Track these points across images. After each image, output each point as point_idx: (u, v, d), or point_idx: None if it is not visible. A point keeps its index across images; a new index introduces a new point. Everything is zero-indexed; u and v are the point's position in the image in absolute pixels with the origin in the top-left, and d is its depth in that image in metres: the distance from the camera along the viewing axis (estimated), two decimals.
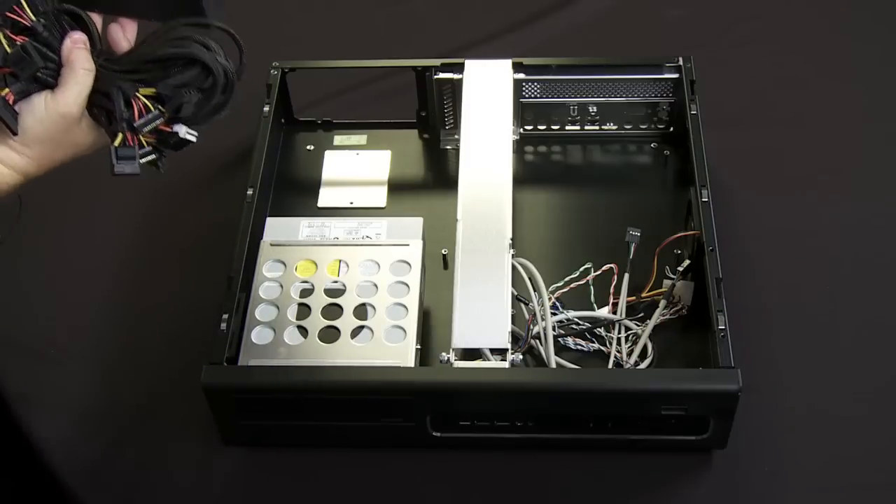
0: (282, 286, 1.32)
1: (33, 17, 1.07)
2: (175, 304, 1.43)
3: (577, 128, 1.57)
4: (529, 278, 1.32)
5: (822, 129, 1.62)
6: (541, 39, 1.76)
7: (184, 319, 1.41)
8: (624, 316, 1.34)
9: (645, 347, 1.32)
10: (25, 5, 1.07)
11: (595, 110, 1.54)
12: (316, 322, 1.28)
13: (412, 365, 1.25)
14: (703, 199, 1.34)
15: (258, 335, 1.28)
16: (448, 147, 1.55)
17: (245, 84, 1.44)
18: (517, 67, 1.52)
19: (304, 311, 1.29)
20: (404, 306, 1.29)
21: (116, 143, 1.08)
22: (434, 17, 1.84)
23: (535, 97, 1.54)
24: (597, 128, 1.56)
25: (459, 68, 1.52)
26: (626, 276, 1.36)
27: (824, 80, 1.69)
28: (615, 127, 1.56)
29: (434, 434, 1.25)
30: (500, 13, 1.82)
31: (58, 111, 1.07)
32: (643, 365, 1.30)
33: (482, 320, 1.27)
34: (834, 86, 1.68)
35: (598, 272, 1.37)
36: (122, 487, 1.29)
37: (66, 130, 1.08)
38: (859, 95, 1.67)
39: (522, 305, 1.33)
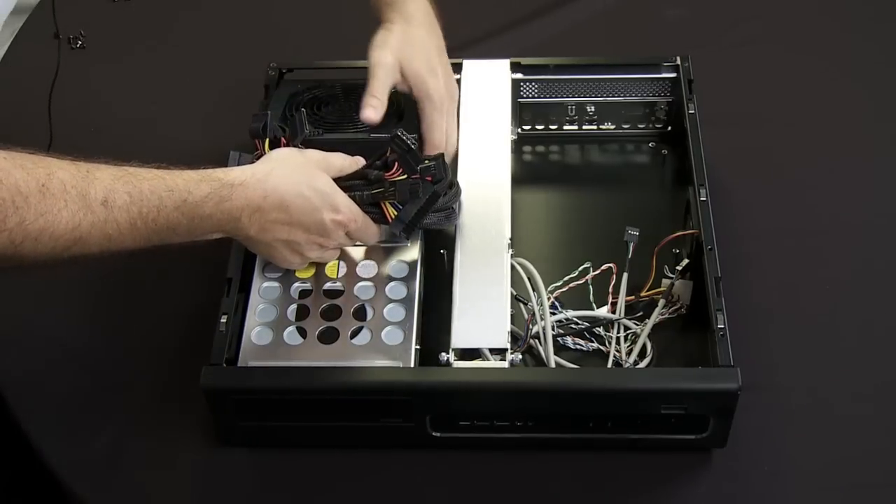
0: (281, 287, 1.32)
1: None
2: (174, 304, 1.44)
3: (576, 127, 1.57)
4: (528, 278, 1.32)
5: (822, 129, 1.62)
6: (540, 39, 1.76)
7: (183, 320, 1.41)
8: (623, 315, 1.34)
9: (644, 347, 1.31)
10: None
11: (593, 110, 1.54)
12: (315, 323, 1.28)
13: (411, 365, 1.25)
14: (702, 199, 1.35)
15: (257, 336, 1.27)
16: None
17: (244, 84, 1.45)
18: (515, 67, 1.53)
19: (303, 311, 1.29)
20: (403, 307, 1.29)
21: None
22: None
23: (533, 97, 1.54)
24: (595, 127, 1.56)
25: (457, 68, 1.52)
26: (625, 275, 1.35)
27: (824, 80, 1.69)
28: (613, 126, 1.56)
29: (434, 434, 1.25)
30: (499, 13, 1.82)
31: None
32: (642, 364, 1.30)
33: (481, 320, 1.27)
34: (834, 86, 1.69)
35: (597, 272, 1.37)
36: (121, 488, 1.28)
37: None
38: (859, 95, 1.67)
39: (521, 305, 1.33)
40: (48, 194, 1.07)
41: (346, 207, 1.27)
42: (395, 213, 1.30)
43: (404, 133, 1.28)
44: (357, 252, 1.35)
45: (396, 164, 1.28)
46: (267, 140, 1.31)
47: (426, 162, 1.29)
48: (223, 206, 1.19)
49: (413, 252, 1.35)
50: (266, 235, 1.24)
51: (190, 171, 1.20)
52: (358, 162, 1.31)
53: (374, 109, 1.36)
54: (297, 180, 1.24)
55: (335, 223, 1.26)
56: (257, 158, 1.29)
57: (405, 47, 1.38)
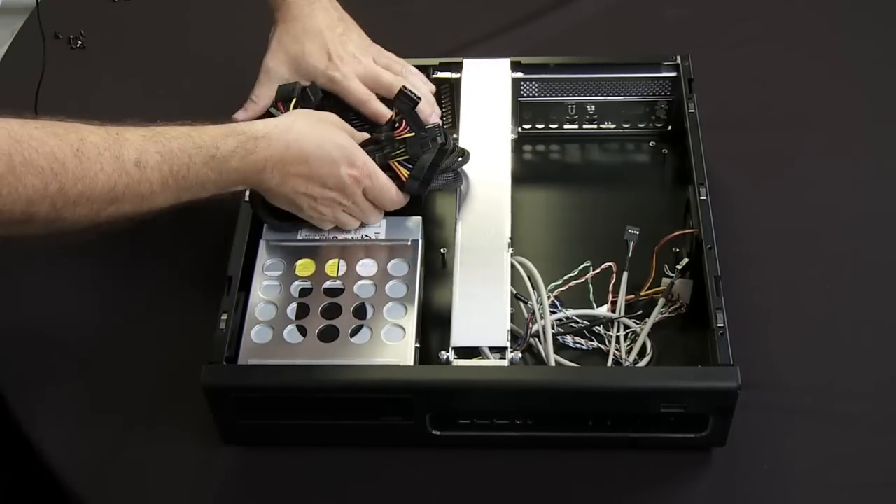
0: (281, 285, 1.32)
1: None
2: (174, 303, 1.44)
3: (576, 126, 1.57)
4: (528, 277, 1.32)
5: (822, 129, 1.62)
6: (540, 40, 1.76)
7: (183, 319, 1.41)
8: (623, 314, 1.34)
9: (644, 345, 1.32)
10: None
11: (593, 109, 1.54)
12: (315, 321, 1.28)
13: (411, 364, 1.25)
14: (702, 198, 1.35)
15: (257, 334, 1.28)
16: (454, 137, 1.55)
17: (244, 84, 1.45)
18: (515, 66, 1.53)
19: (303, 310, 1.29)
20: (403, 305, 1.30)
21: None
22: (433, 17, 1.84)
23: (534, 96, 1.54)
24: (595, 126, 1.56)
25: (458, 67, 1.53)
26: (625, 274, 1.36)
27: (824, 80, 1.69)
28: (613, 126, 1.56)
29: (433, 433, 1.25)
30: (500, 13, 1.82)
31: None
32: (642, 363, 1.30)
33: (481, 319, 1.27)
34: (834, 85, 1.68)
35: (597, 271, 1.37)
36: (121, 488, 1.28)
37: None
38: (859, 95, 1.67)
39: (521, 304, 1.33)
40: (84, 158, 1.11)
41: (362, 163, 1.31)
42: (407, 171, 1.34)
43: (409, 89, 1.35)
44: (357, 250, 1.35)
45: (404, 122, 1.34)
46: (293, 102, 1.36)
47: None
48: (248, 158, 1.23)
49: (413, 251, 1.35)
50: (286, 187, 1.28)
51: (215, 125, 1.24)
52: (364, 136, 1.36)
53: (244, 111, 1.43)
54: (317, 133, 1.29)
55: (352, 178, 1.30)
56: None
57: (292, 46, 1.42)
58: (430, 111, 1.44)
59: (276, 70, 1.41)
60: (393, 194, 1.34)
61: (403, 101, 1.35)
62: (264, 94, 1.41)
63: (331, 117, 1.34)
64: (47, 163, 1.08)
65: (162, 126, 1.20)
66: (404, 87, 1.37)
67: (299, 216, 1.34)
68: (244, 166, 1.23)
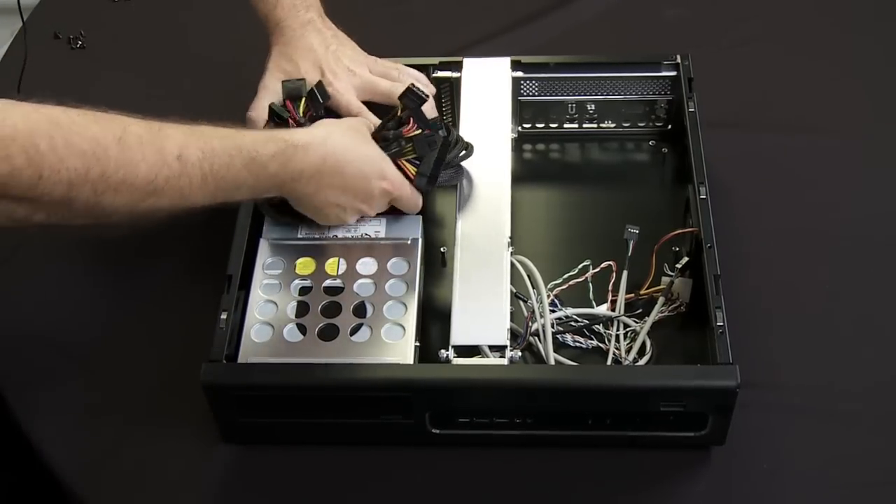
0: (281, 284, 1.32)
1: None
2: (175, 301, 1.44)
3: (576, 126, 1.57)
4: (528, 276, 1.32)
5: (822, 129, 1.62)
6: (540, 40, 1.76)
7: (183, 317, 1.41)
8: (622, 313, 1.34)
9: (643, 344, 1.32)
10: None
11: (593, 108, 1.55)
12: (315, 320, 1.28)
13: (411, 362, 1.25)
14: (702, 197, 1.35)
15: (257, 333, 1.27)
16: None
17: (244, 84, 1.45)
18: (515, 65, 1.53)
19: (303, 308, 1.29)
20: (403, 304, 1.30)
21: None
22: (433, 17, 1.84)
23: (534, 95, 1.54)
24: (595, 126, 1.56)
25: (458, 66, 1.53)
26: (625, 273, 1.36)
27: (825, 80, 1.69)
28: (613, 125, 1.56)
29: (433, 431, 1.25)
30: (500, 13, 1.82)
31: None
32: (642, 362, 1.30)
33: (481, 317, 1.27)
34: (834, 85, 1.69)
35: (597, 269, 1.37)
36: (122, 487, 1.28)
37: None
38: (860, 95, 1.67)
39: (521, 303, 1.33)
40: (126, 147, 1.11)
41: (393, 175, 1.34)
42: (414, 168, 1.35)
43: (416, 87, 1.36)
44: (357, 249, 1.35)
45: (411, 119, 1.35)
46: (302, 101, 1.38)
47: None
48: (287, 166, 1.25)
49: (413, 249, 1.35)
50: (318, 198, 1.30)
51: (255, 130, 1.31)
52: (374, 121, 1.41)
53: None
54: (352, 146, 1.32)
55: (382, 191, 1.33)
56: (291, 121, 1.37)
57: (288, 65, 1.44)
58: (430, 113, 1.44)
59: (274, 88, 1.42)
60: (418, 202, 1.37)
61: (411, 100, 1.36)
62: (263, 109, 1.41)
63: (361, 126, 1.36)
64: (90, 147, 1.09)
65: (203, 125, 1.21)
66: (412, 84, 1.38)
67: (316, 219, 1.35)
68: (282, 173, 1.24)
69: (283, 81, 1.41)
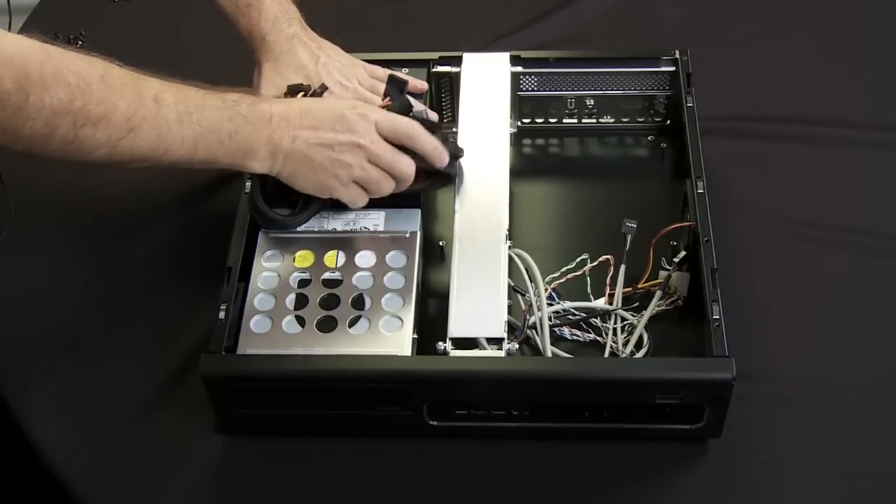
0: (280, 276, 1.32)
1: None
2: (174, 295, 1.44)
3: (575, 121, 1.57)
4: (526, 269, 1.32)
5: (821, 128, 1.62)
6: (539, 42, 1.76)
7: (183, 310, 1.41)
8: (620, 306, 1.34)
9: (641, 338, 1.32)
10: None
11: (592, 103, 1.55)
12: (313, 312, 1.29)
13: (409, 354, 1.25)
14: (699, 191, 1.35)
15: (256, 324, 1.28)
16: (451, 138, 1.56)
17: (244, 81, 1.45)
18: (515, 60, 1.53)
19: (301, 300, 1.30)
20: (401, 296, 1.30)
21: None
22: (433, 17, 1.85)
23: (533, 90, 1.55)
24: (594, 121, 1.57)
25: (457, 61, 1.53)
26: (623, 266, 1.36)
27: (824, 79, 1.70)
28: (612, 120, 1.57)
29: (431, 423, 1.26)
30: (499, 14, 1.82)
31: None
32: (639, 355, 1.31)
33: (479, 310, 1.27)
34: (833, 84, 1.69)
35: (595, 263, 1.37)
36: (122, 487, 1.28)
37: None
38: (859, 93, 1.68)
39: (519, 296, 1.33)
40: (107, 85, 1.17)
41: (365, 105, 1.35)
42: None
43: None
44: (356, 242, 1.35)
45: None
46: (300, 94, 1.39)
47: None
48: (255, 107, 1.28)
49: (411, 243, 1.35)
50: (299, 142, 1.29)
51: None
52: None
53: None
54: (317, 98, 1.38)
55: (359, 115, 1.32)
56: None
57: (280, 80, 1.44)
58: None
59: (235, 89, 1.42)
60: (406, 121, 1.35)
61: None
62: None
63: None
64: (75, 80, 1.14)
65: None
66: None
67: (319, 191, 1.33)
68: (253, 115, 1.27)
69: (288, 84, 1.41)
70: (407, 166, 1.34)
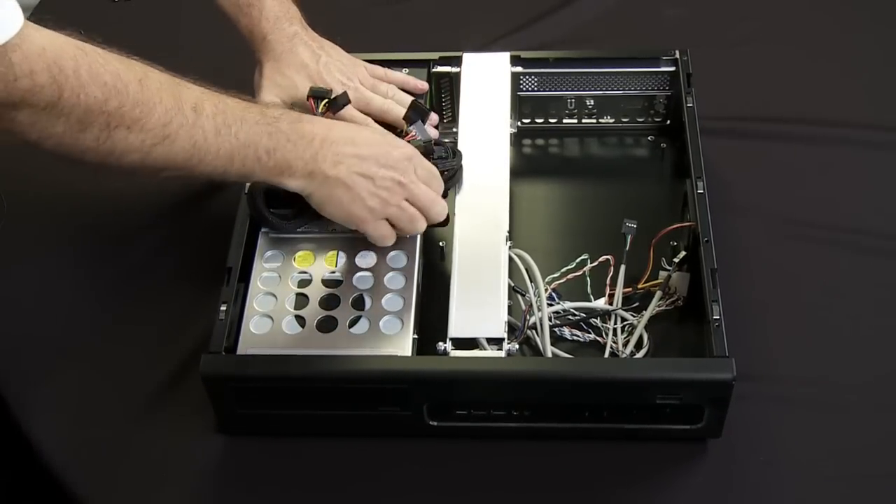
0: (280, 276, 1.32)
1: None
2: (175, 295, 1.44)
3: (575, 121, 1.57)
4: (526, 269, 1.33)
5: (821, 128, 1.63)
6: (539, 42, 1.76)
7: (183, 311, 1.41)
8: (620, 307, 1.34)
9: (641, 338, 1.32)
10: None
11: (592, 103, 1.55)
12: (314, 312, 1.29)
13: (409, 354, 1.25)
14: (699, 191, 1.35)
15: (256, 325, 1.28)
16: (446, 140, 1.55)
17: (244, 81, 1.45)
18: (515, 61, 1.53)
19: (301, 301, 1.30)
20: (402, 297, 1.30)
21: None
22: (433, 17, 1.85)
23: (533, 90, 1.55)
24: (594, 121, 1.57)
25: (457, 62, 1.54)
26: (623, 267, 1.36)
27: (824, 79, 1.70)
28: (612, 120, 1.57)
29: (431, 423, 1.26)
30: (499, 15, 1.82)
31: None
32: (639, 355, 1.31)
33: (479, 310, 1.28)
34: (833, 84, 1.69)
35: (595, 263, 1.37)
36: (122, 487, 1.28)
37: None
38: (859, 93, 1.68)
39: (519, 296, 1.33)
40: (145, 88, 1.15)
41: (404, 143, 1.34)
42: None
43: (420, 102, 1.43)
44: (356, 242, 1.35)
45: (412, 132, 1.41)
46: (324, 101, 1.38)
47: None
48: (297, 126, 1.26)
49: (412, 242, 1.35)
50: (341, 169, 1.27)
51: None
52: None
53: None
54: (354, 125, 1.37)
55: (404, 156, 1.32)
56: None
57: (283, 80, 1.45)
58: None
59: (272, 102, 1.43)
60: (438, 186, 1.35)
61: (415, 112, 1.41)
62: None
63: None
64: (112, 80, 1.12)
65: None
66: (415, 100, 1.43)
67: (348, 222, 1.31)
68: (294, 133, 1.25)
69: (311, 87, 1.41)
70: (442, 210, 1.34)
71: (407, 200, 1.31)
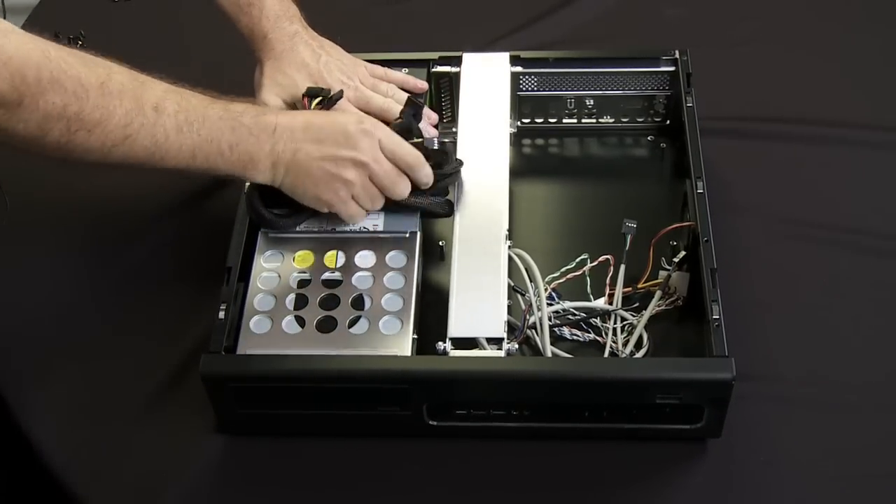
0: (280, 276, 1.32)
1: None
2: (174, 295, 1.44)
3: (574, 121, 1.57)
4: (526, 269, 1.33)
5: (821, 128, 1.63)
6: (539, 42, 1.76)
7: (183, 311, 1.41)
8: (620, 306, 1.34)
9: (640, 338, 1.32)
10: None
11: (592, 103, 1.55)
12: (313, 312, 1.29)
13: (409, 354, 1.25)
14: (699, 191, 1.35)
15: (256, 325, 1.28)
16: (446, 140, 1.55)
17: (244, 85, 1.45)
18: (514, 60, 1.53)
19: (301, 300, 1.30)
20: (401, 296, 1.30)
21: None
22: (433, 17, 1.85)
23: (533, 90, 1.55)
24: (594, 121, 1.57)
25: (457, 61, 1.54)
26: (623, 267, 1.36)
27: (823, 80, 1.70)
28: (612, 120, 1.57)
29: (430, 423, 1.26)
30: (499, 15, 1.82)
31: None
32: (639, 355, 1.31)
33: (478, 310, 1.28)
34: (833, 84, 1.69)
35: (595, 263, 1.37)
36: (122, 487, 1.28)
37: None
38: (859, 93, 1.68)
39: (519, 296, 1.33)
40: (106, 92, 1.17)
41: (371, 121, 1.35)
42: None
43: (415, 98, 1.44)
44: (356, 242, 1.35)
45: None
46: (318, 100, 1.39)
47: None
48: (260, 119, 1.28)
49: (411, 242, 1.35)
50: (300, 156, 1.29)
51: None
52: None
53: None
54: (322, 112, 1.38)
55: (363, 132, 1.32)
56: None
57: (283, 79, 1.45)
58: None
59: (274, 102, 1.44)
60: (409, 148, 1.35)
61: (411, 107, 1.41)
62: None
63: None
64: (72, 86, 1.14)
65: (183, 86, 1.26)
66: (411, 96, 1.43)
67: (318, 205, 1.33)
68: (256, 126, 1.27)
69: (308, 87, 1.42)
70: (404, 189, 1.35)
71: (370, 179, 1.33)
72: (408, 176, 1.34)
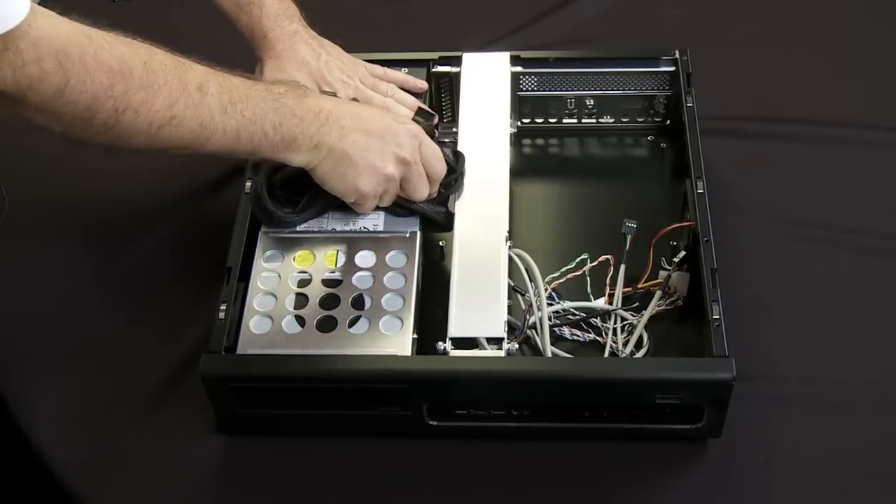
0: (280, 276, 1.32)
1: None
2: (174, 295, 1.44)
3: (575, 121, 1.57)
4: (526, 269, 1.33)
5: (821, 128, 1.63)
6: (539, 42, 1.76)
7: (183, 311, 1.41)
8: (620, 306, 1.34)
9: (640, 338, 1.32)
10: None
11: (592, 103, 1.55)
12: (313, 312, 1.29)
13: (409, 354, 1.25)
14: (699, 191, 1.35)
15: (256, 324, 1.28)
16: (446, 140, 1.55)
17: None
18: (515, 60, 1.53)
19: (301, 300, 1.30)
20: (401, 296, 1.30)
21: None
22: (433, 17, 1.85)
23: (533, 90, 1.55)
24: (594, 121, 1.57)
25: (457, 62, 1.54)
26: (623, 267, 1.36)
27: (823, 79, 1.70)
28: (612, 120, 1.57)
29: (430, 423, 1.26)
30: (499, 15, 1.82)
31: None
32: (639, 355, 1.31)
33: (479, 310, 1.27)
34: (833, 83, 1.69)
35: (595, 263, 1.37)
36: (122, 487, 1.28)
37: None
38: (858, 93, 1.68)
39: (519, 296, 1.33)
40: (150, 71, 1.15)
41: (406, 118, 1.37)
42: None
43: (425, 108, 1.46)
44: (356, 242, 1.35)
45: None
46: None
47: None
48: (303, 101, 1.27)
49: (412, 242, 1.35)
50: (346, 143, 1.29)
51: None
52: None
53: None
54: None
55: (406, 130, 1.33)
56: None
57: (281, 78, 1.44)
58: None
59: (279, 80, 1.42)
60: (442, 158, 1.37)
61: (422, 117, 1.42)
62: None
63: None
64: (117, 64, 1.12)
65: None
66: (421, 106, 1.45)
67: (348, 195, 1.33)
68: (300, 107, 1.26)
69: (322, 91, 1.42)
70: (423, 194, 1.36)
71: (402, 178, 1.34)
72: None
